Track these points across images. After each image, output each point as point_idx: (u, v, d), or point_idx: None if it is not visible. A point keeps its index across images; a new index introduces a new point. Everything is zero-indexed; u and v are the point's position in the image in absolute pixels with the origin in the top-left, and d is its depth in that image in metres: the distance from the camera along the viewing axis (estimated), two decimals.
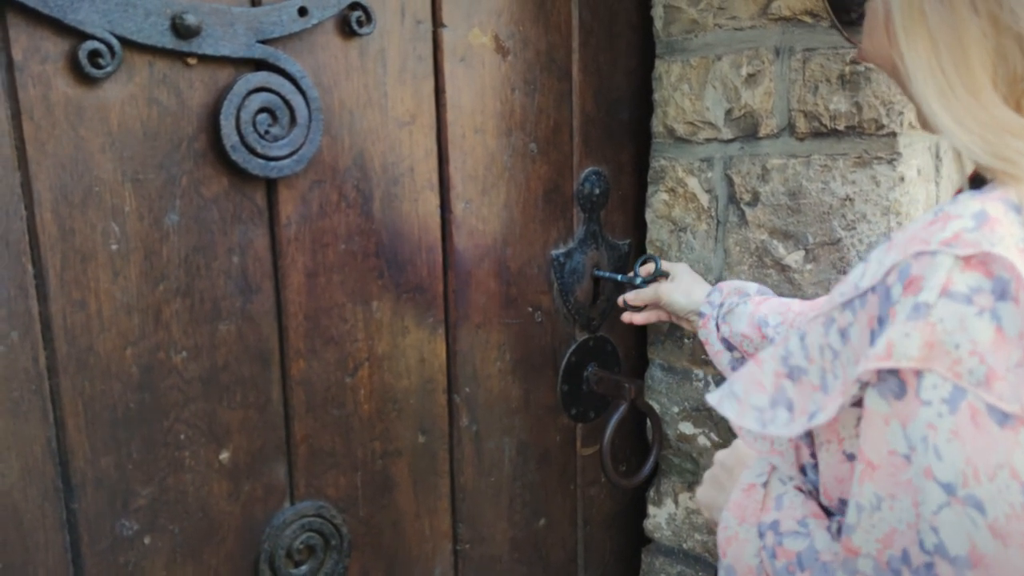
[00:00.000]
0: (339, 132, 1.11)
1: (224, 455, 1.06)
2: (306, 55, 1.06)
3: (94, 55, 0.89)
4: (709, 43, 1.38)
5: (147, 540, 1.01)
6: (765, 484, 0.82)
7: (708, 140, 1.40)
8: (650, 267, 1.42)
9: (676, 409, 1.51)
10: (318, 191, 1.10)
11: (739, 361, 1.28)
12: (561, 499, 1.51)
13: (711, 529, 1.50)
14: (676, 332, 1.49)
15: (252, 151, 1.01)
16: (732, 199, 1.38)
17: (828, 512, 0.77)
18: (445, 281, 1.27)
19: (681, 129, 1.42)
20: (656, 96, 1.46)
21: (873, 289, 0.63)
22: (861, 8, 0.82)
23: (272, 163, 1.03)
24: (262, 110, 1.01)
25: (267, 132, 1.02)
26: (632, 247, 1.53)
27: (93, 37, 0.88)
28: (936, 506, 0.57)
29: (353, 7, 1.08)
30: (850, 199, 1.25)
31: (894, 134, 1.20)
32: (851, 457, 0.71)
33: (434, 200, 1.24)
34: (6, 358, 0.89)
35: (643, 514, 1.61)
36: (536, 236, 1.38)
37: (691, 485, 1.52)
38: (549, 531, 1.50)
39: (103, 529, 0.98)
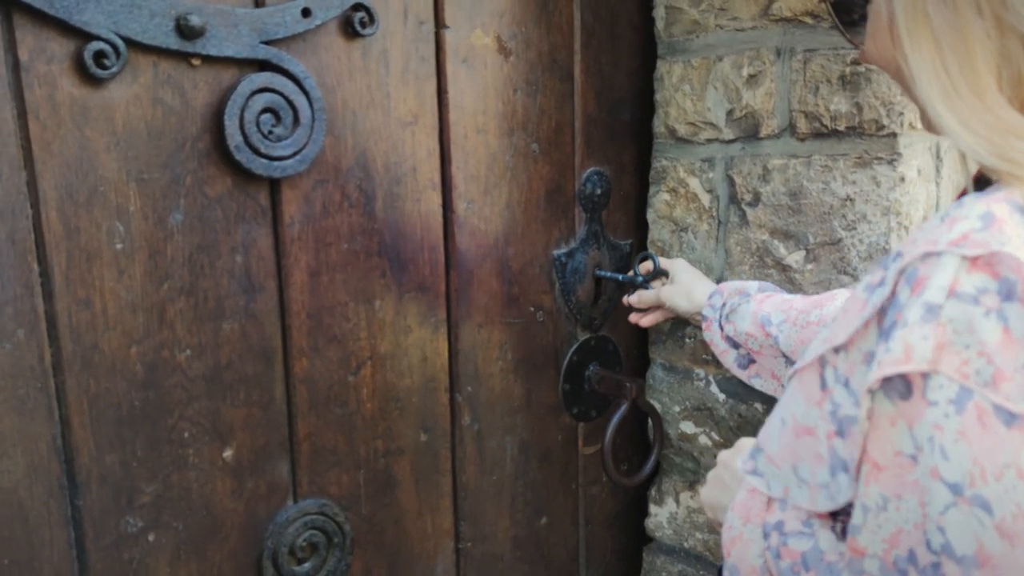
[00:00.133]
0: (342, 132, 1.12)
1: (228, 453, 1.07)
2: (309, 56, 1.07)
3: (99, 56, 0.90)
4: (710, 44, 1.38)
5: (151, 537, 1.02)
6: None
7: (709, 140, 1.40)
8: (649, 265, 1.43)
9: (677, 408, 1.51)
10: (321, 191, 1.11)
11: (745, 358, 1.29)
12: (563, 498, 1.52)
13: (712, 528, 1.50)
14: (677, 332, 1.50)
15: (256, 151, 1.02)
16: (733, 199, 1.38)
17: (832, 514, 0.77)
18: (447, 280, 1.28)
19: (682, 129, 1.43)
20: (658, 97, 1.46)
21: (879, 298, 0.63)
22: (862, 9, 0.82)
23: (275, 163, 1.04)
24: (266, 110, 1.02)
25: (271, 132, 1.03)
26: (634, 247, 1.54)
27: (98, 38, 0.89)
28: (943, 506, 0.57)
29: (356, 8, 1.09)
30: (851, 199, 1.25)
31: (894, 135, 1.21)
32: None
33: (436, 200, 1.24)
34: (12, 356, 0.89)
35: (644, 513, 1.61)
36: (538, 236, 1.38)
37: (692, 484, 1.52)
38: (551, 530, 1.51)
39: (108, 526, 0.98)
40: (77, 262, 0.93)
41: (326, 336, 1.14)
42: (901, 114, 1.20)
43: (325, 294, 1.14)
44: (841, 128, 1.25)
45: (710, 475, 0.96)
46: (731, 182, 1.38)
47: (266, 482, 1.12)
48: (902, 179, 1.22)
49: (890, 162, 1.22)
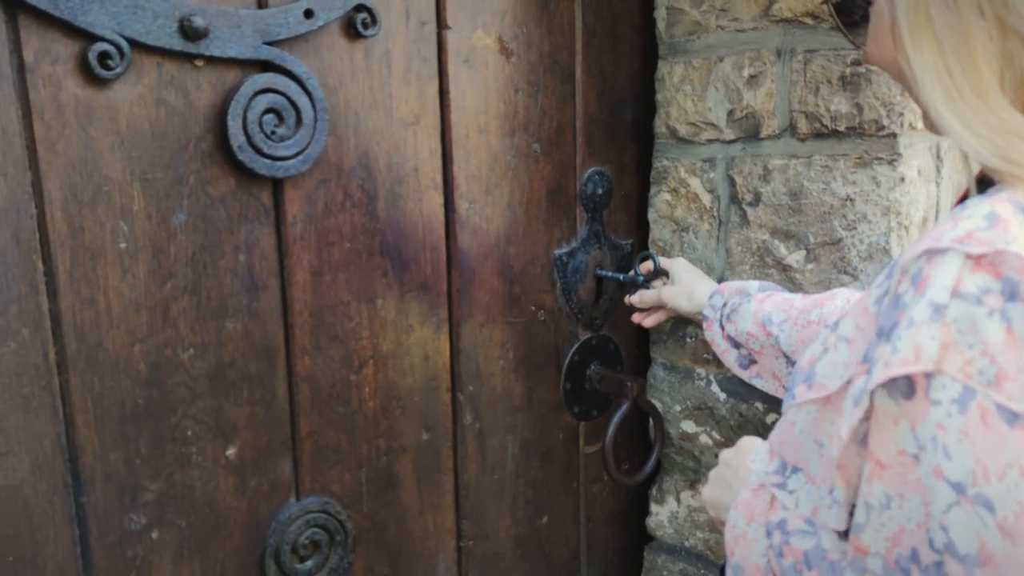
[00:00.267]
0: (344, 132, 1.13)
1: (230, 451, 1.08)
2: (312, 56, 1.08)
3: (104, 56, 0.90)
4: (711, 44, 1.39)
5: (155, 534, 1.03)
6: None
7: (710, 141, 1.41)
8: (649, 265, 1.44)
9: (678, 408, 1.52)
10: (324, 190, 1.12)
11: (746, 358, 1.30)
12: (564, 497, 1.52)
13: (713, 527, 1.51)
14: (678, 331, 1.50)
15: (258, 151, 1.02)
16: (734, 199, 1.39)
17: None
18: (449, 280, 1.28)
19: (683, 130, 1.43)
20: (659, 97, 1.47)
21: (880, 300, 0.64)
22: (864, 10, 0.82)
23: (278, 163, 1.04)
24: (268, 111, 1.02)
25: (273, 132, 1.03)
26: (635, 247, 1.55)
27: (103, 39, 0.90)
28: (945, 505, 0.57)
29: (358, 9, 1.09)
30: (851, 199, 1.26)
31: (894, 135, 1.21)
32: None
33: (438, 200, 1.25)
34: (17, 354, 0.90)
35: (645, 512, 1.62)
36: (539, 236, 1.39)
37: (693, 483, 1.53)
38: (552, 528, 1.51)
39: (111, 523, 0.99)
40: (81, 261, 0.94)
41: (328, 335, 1.15)
42: (901, 114, 1.21)
43: (327, 293, 1.14)
44: (841, 128, 1.25)
45: (712, 474, 0.96)
46: (732, 182, 1.39)
47: (269, 480, 1.12)
48: (902, 179, 1.22)
49: (890, 162, 1.22)
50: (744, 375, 1.32)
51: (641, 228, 1.55)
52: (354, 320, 1.18)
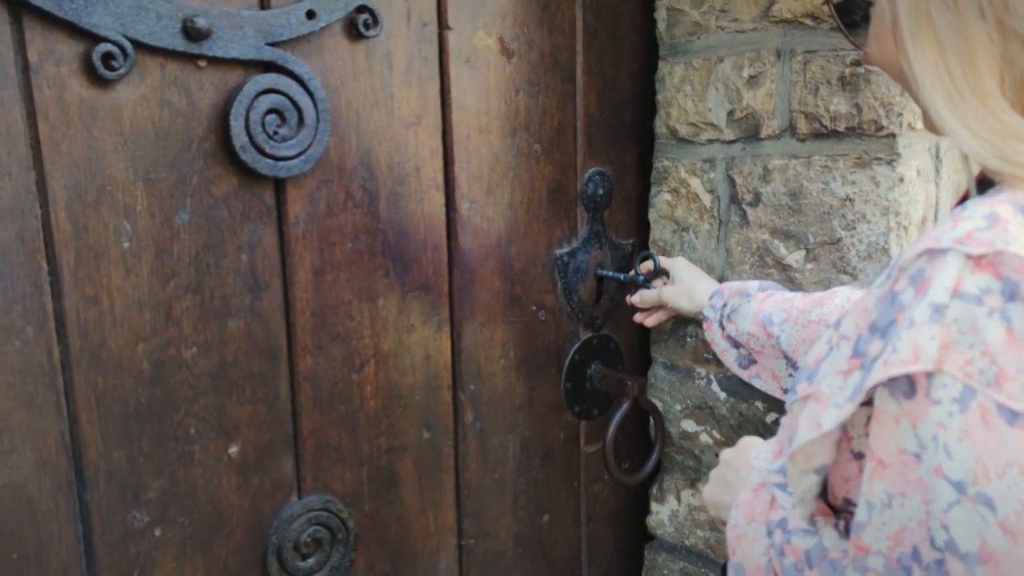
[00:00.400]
0: (346, 132, 1.13)
1: (233, 449, 1.08)
2: (314, 57, 1.08)
3: (107, 57, 0.91)
4: (711, 45, 1.39)
5: (158, 532, 1.03)
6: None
7: (710, 141, 1.41)
8: (649, 265, 1.44)
9: (679, 407, 1.52)
10: (325, 190, 1.12)
11: (746, 358, 1.30)
12: (565, 496, 1.53)
13: (714, 526, 1.51)
14: (679, 331, 1.51)
15: (261, 151, 1.03)
16: (734, 199, 1.39)
17: (834, 510, 0.78)
18: (450, 279, 1.29)
19: (684, 130, 1.44)
20: (659, 97, 1.47)
21: (880, 299, 0.64)
22: (864, 11, 0.83)
23: (280, 163, 1.05)
24: (271, 111, 1.03)
25: (276, 132, 1.04)
26: (635, 247, 1.55)
27: (106, 40, 0.90)
28: (946, 504, 0.57)
29: (360, 10, 1.10)
30: (850, 199, 1.26)
31: (893, 135, 1.22)
32: (859, 456, 0.71)
33: (439, 199, 1.26)
34: (21, 353, 0.91)
35: (646, 511, 1.62)
36: (540, 235, 1.39)
37: (693, 482, 1.53)
38: (553, 527, 1.52)
39: (115, 521, 1.00)
40: (85, 260, 0.94)
41: (330, 334, 1.16)
42: (900, 115, 1.21)
43: (329, 293, 1.15)
44: (841, 129, 1.26)
45: (713, 473, 0.97)
46: (732, 182, 1.39)
47: (271, 478, 1.13)
48: (901, 179, 1.23)
49: (889, 162, 1.23)
50: (743, 375, 1.32)
51: (642, 228, 1.55)
52: (356, 319, 1.18)
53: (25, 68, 0.88)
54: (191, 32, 0.95)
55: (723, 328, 1.31)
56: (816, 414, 0.67)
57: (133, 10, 0.91)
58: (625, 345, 1.57)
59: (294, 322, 1.12)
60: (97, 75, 0.91)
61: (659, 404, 1.54)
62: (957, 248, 0.58)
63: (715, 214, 1.43)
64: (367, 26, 1.11)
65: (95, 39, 0.90)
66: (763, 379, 1.30)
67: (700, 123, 1.41)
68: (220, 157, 1.03)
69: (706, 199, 1.43)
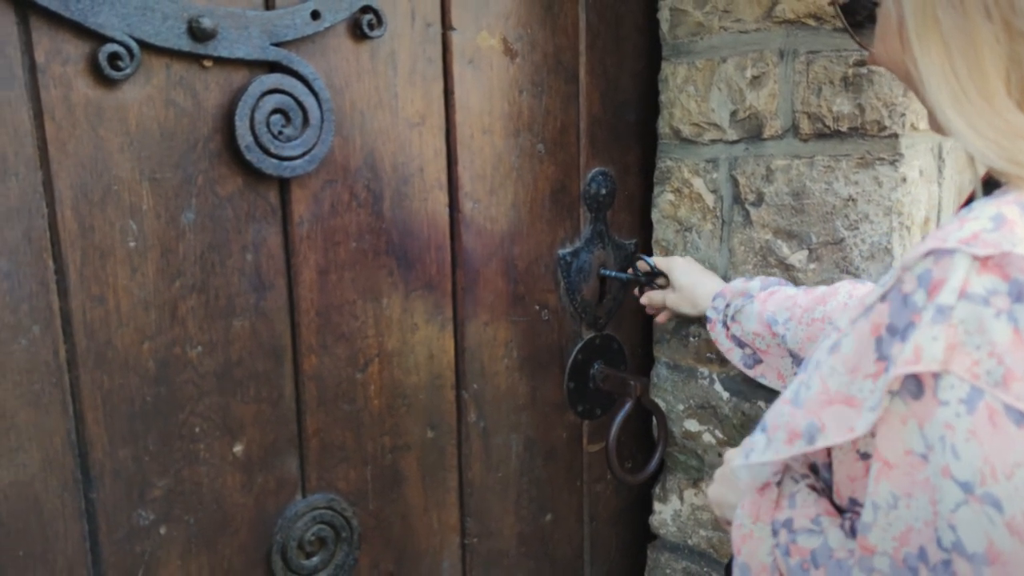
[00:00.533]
0: (350, 133, 1.14)
1: (238, 448, 1.09)
2: (318, 57, 1.09)
3: (114, 57, 0.91)
4: (714, 46, 1.39)
5: (163, 530, 1.04)
6: (779, 483, 0.83)
7: (713, 141, 1.42)
8: (644, 266, 1.45)
9: (681, 407, 1.52)
10: (330, 190, 1.13)
11: (751, 357, 1.31)
12: (567, 495, 1.53)
13: (716, 526, 1.51)
14: (681, 331, 1.51)
15: (266, 151, 1.03)
16: (737, 199, 1.40)
17: (840, 510, 0.78)
18: (454, 279, 1.29)
19: (687, 130, 1.44)
20: (662, 98, 1.48)
21: (883, 298, 0.64)
22: (869, 11, 0.83)
23: (285, 163, 1.05)
24: (276, 111, 1.03)
25: (280, 133, 1.04)
26: (638, 247, 1.55)
27: (113, 40, 0.91)
28: (954, 504, 0.57)
29: (364, 10, 1.10)
30: (853, 199, 1.26)
31: (896, 135, 1.22)
32: (865, 456, 0.72)
33: (443, 199, 1.26)
34: (28, 352, 0.91)
35: (649, 510, 1.63)
36: (543, 235, 1.40)
37: (696, 482, 1.53)
38: (556, 526, 1.52)
39: (120, 519, 1.00)
40: (91, 260, 0.95)
41: (334, 334, 1.16)
42: (903, 115, 1.22)
43: (334, 292, 1.15)
44: (844, 129, 1.26)
45: (717, 473, 0.97)
46: (735, 182, 1.39)
47: (275, 477, 1.13)
48: (904, 179, 1.23)
49: (892, 163, 1.23)
50: (749, 373, 1.33)
51: (644, 228, 1.56)
52: (360, 319, 1.19)
53: (32, 68, 0.88)
54: (197, 32, 0.96)
55: (727, 328, 1.31)
56: (849, 418, 0.66)
57: (139, 10, 0.92)
58: (628, 345, 1.57)
59: (298, 321, 1.12)
60: (103, 75, 0.91)
61: (662, 404, 1.55)
62: (963, 249, 0.58)
63: (718, 214, 1.43)
64: (371, 26, 1.11)
65: (101, 39, 0.91)
66: (768, 378, 1.30)
67: (703, 123, 1.42)
68: (225, 157, 1.03)
69: (709, 199, 1.43)
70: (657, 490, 1.60)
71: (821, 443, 0.68)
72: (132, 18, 0.92)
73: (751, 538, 0.81)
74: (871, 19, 0.79)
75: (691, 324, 1.49)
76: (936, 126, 0.73)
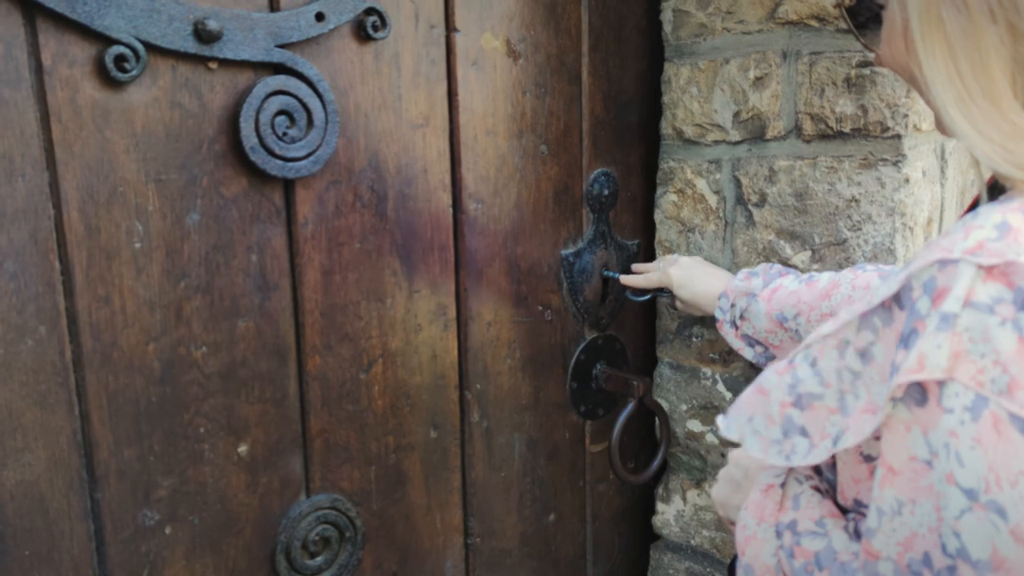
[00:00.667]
0: (355, 134, 1.14)
1: (242, 448, 1.09)
2: (323, 59, 1.09)
3: (120, 59, 0.92)
4: (717, 47, 1.40)
5: (168, 530, 1.04)
6: (783, 484, 0.83)
7: (716, 142, 1.42)
8: (637, 286, 1.46)
9: (684, 407, 1.53)
10: (334, 191, 1.13)
11: (762, 355, 1.30)
12: (570, 495, 1.53)
13: (719, 526, 1.52)
14: (684, 331, 1.52)
15: (271, 152, 1.04)
16: (740, 200, 1.40)
17: (844, 511, 0.78)
18: (457, 279, 1.30)
19: (690, 131, 1.44)
20: (665, 99, 1.48)
21: (897, 301, 0.64)
22: (874, 13, 0.83)
23: (290, 164, 1.06)
24: (280, 112, 1.04)
25: (285, 134, 1.05)
26: (641, 247, 1.56)
27: (119, 42, 0.91)
28: (958, 511, 0.58)
29: (369, 12, 1.11)
30: (856, 200, 1.27)
31: (899, 136, 1.22)
32: (868, 458, 0.72)
33: (447, 200, 1.26)
34: (34, 352, 0.92)
35: (651, 510, 1.63)
36: (546, 236, 1.40)
37: (699, 482, 1.54)
38: (558, 526, 1.52)
39: (126, 519, 1.01)
40: (97, 261, 0.95)
41: (338, 334, 1.16)
42: (906, 116, 1.22)
43: (338, 293, 1.16)
44: (846, 130, 1.26)
45: (721, 473, 0.97)
46: (737, 183, 1.40)
47: (279, 477, 1.14)
48: (907, 180, 1.23)
49: (895, 163, 1.23)
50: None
51: (647, 229, 1.56)
52: (364, 319, 1.19)
53: (38, 70, 0.89)
54: (202, 34, 0.96)
55: (736, 328, 1.31)
56: (869, 420, 0.67)
57: (145, 12, 0.92)
58: (630, 345, 1.58)
59: (303, 322, 1.13)
60: (109, 77, 0.92)
61: (664, 404, 1.55)
62: (969, 259, 0.58)
63: (721, 215, 1.43)
64: (375, 28, 1.12)
65: (108, 41, 0.91)
66: None
67: (706, 124, 1.42)
68: (230, 158, 1.04)
69: (712, 200, 1.44)
70: (660, 490, 1.61)
71: (841, 445, 0.68)
72: (138, 20, 0.92)
73: (755, 539, 0.81)
74: (876, 21, 0.79)
75: (694, 324, 1.49)
76: (942, 127, 0.73)
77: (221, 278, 1.05)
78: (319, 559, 1.18)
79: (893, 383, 0.61)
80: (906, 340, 0.61)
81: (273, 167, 1.04)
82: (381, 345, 1.22)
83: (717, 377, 1.47)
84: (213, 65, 1.00)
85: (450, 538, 1.36)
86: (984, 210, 0.62)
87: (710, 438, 1.50)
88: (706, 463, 1.52)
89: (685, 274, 1.39)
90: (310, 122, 1.07)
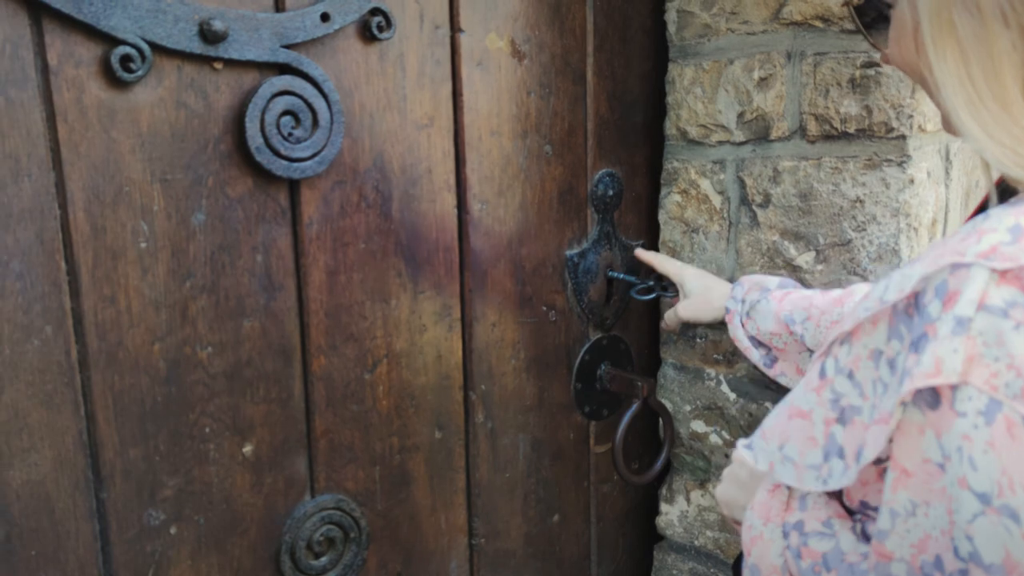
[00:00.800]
0: (359, 134, 1.14)
1: (247, 448, 1.09)
2: (328, 59, 1.09)
3: (126, 60, 0.92)
4: (722, 47, 1.40)
5: (173, 530, 1.04)
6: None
7: (720, 142, 1.42)
8: (647, 260, 1.46)
9: (688, 407, 1.53)
10: (339, 192, 1.13)
11: (767, 356, 1.30)
12: (574, 495, 1.53)
13: (723, 526, 1.52)
14: (688, 332, 1.51)
15: (276, 152, 1.04)
16: (744, 200, 1.40)
17: (849, 512, 0.78)
18: (462, 280, 1.30)
19: (694, 132, 1.44)
20: (669, 99, 1.48)
21: (912, 304, 0.64)
22: (880, 12, 0.83)
23: (295, 164, 1.06)
24: (286, 113, 1.04)
25: (290, 134, 1.05)
26: (645, 248, 1.56)
27: (125, 42, 0.91)
28: (971, 515, 0.58)
29: (374, 13, 1.11)
30: (860, 201, 1.26)
31: (904, 137, 1.22)
32: (877, 460, 0.71)
33: (451, 201, 1.26)
34: (40, 352, 0.92)
35: (655, 511, 1.63)
36: (551, 236, 1.40)
37: (703, 483, 1.54)
38: (563, 527, 1.52)
39: (131, 519, 1.01)
40: (103, 260, 0.95)
41: (343, 334, 1.16)
42: (911, 117, 1.22)
43: (343, 293, 1.16)
44: (851, 130, 1.26)
45: (726, 473, 0.97)
46: (742, 184, 1.40)
47: (284, 477, 1.14)
48: (911, 181, 1.23)
49: (899, 164, 1.23)
50: (769, 373, 1.31)
51: (651, 229, 1.56)
52: (368, 320, 1.19)
53: (45, 70, 0.89)
54: (208, 34, 0.96)
55: (743, 325, 1.30)
56: (883, 431, 0.66)
57: (151, 13, 0.92)
58: (635, 346, 1.58)
59: (308, 322, 1.13)
60: (115, 77, 0.92)
61: (668, 405, 1.55)
62: (982, 263, 0.58)
63: (725, 215, 1.43)
64: (380, 28, 1.12)
65: (113, 42, 0.91)
66: (788, 375, 1.29)
67: (710, 125, 1.42)
68: (236, 158, 1.04)
69: (716, 200, 1.44)
70: (664, 491, 1.61)
71: (863, 461, 0.68)
72: (144, 20, 0.92)
73: (761, 539, 0.81)
74: (884, 20, 0.79)
75: (698, 325, 1.49)
76: (950, 128, 0.73)
77: (226, 278, 1.05)
78: (324, 559, 1.18)
79: (904, 388, 0.61)
80: (916, 344, 0.61)
81: (278, 167, 1.04)
82: (386, 345, 1.22)
83: (721, 378, 1.47)
84: (218, 65, 1.00)
85: (454, 538, 1.36)
86: (995, 213, 0.62)
87: (714, 439, 1.50)
88: (710, 464, 1.52)
89: (700, 272, 1.41)
90: (315, 122, 1.07)
